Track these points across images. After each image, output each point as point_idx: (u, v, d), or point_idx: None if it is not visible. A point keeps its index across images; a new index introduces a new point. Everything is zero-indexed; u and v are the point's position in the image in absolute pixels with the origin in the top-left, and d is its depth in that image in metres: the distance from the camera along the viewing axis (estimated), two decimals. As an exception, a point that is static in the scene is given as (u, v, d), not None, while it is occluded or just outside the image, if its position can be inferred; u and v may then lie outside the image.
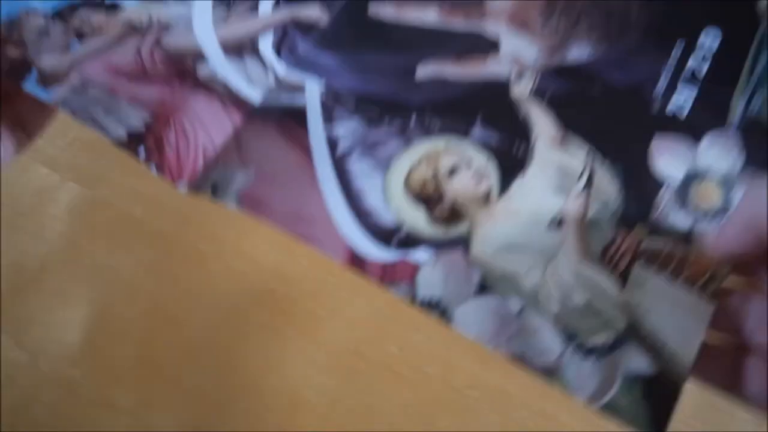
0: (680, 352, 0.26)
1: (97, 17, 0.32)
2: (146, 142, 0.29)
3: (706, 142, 0.26)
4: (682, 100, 0.27)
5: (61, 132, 0.39)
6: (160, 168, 0.29)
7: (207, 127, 0.29)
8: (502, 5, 0.30)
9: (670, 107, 0.27)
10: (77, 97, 0.31)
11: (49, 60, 0.32)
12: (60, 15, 0.33)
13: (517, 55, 0.29)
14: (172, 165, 0.29)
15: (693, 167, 0.26)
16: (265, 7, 0.31)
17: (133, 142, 0.30)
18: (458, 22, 0.30)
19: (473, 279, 0.26)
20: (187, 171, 0.29)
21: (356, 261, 0.26)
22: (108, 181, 0.37)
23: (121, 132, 0.30)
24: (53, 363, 0.35)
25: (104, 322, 0.35)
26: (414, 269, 0.26)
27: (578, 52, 0.28)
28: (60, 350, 0.35)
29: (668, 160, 0.26)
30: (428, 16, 0.30)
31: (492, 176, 0.27)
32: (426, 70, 0.29)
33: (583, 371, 0.26)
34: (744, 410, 0.33)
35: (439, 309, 0.26)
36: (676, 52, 0.28)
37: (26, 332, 0.35)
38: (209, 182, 0.28)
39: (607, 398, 0.26)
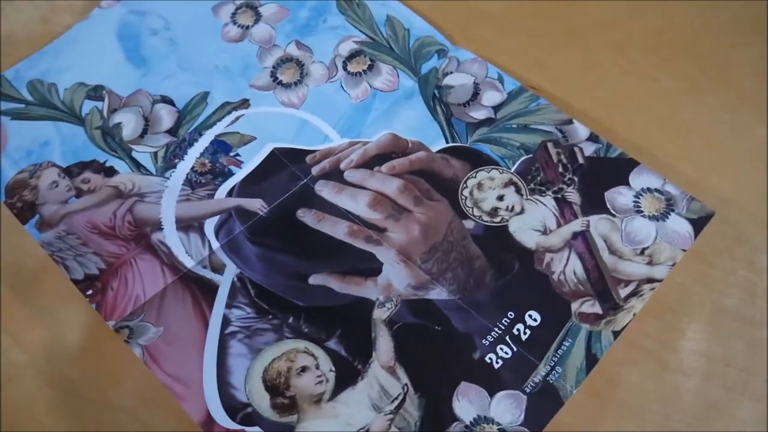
0: None
1: (95, 179, 0.39)
2: (95, 284, 0.36)
3: (500, 396, 0.32)
4: (499, 356, 0.33)
5: None
6: (99, 306, 0.35)
7: (144, 281, 0.36)
8: (397, 238, 0.36)
9: (488, 359, 0.33)
10: (58, 241, 0.37)
11: (49, 209, 0.38)
12: (69, 172, 0.40)
13: (390, 282, 0.35)
14: (109, 305, 0.35)
15: (482, 414, 0.32)
16: (220, 194, 0.39)
17: (86, 282, 0.36)
18: (359, 242, 0.37)
19: None
20: (117, 312, 0.35)
21: (208, 423, 0.32)
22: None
23: (79, 274, 0.36)
24: (53, 363, 0.35)
25: (104, 322, 0.35)
26: None
27: (437, 294, 0.35)
28: (60, 350, 0.35)
29: (466, 403, 0.32)
30: (338, 231, 0.37)
31: (330, 382, 0.33)
32: (317, 279, 0.35)
33: None
34: (744, 410, 0.33)
35: None
36: (507, 318, 0.34)
37: (26, 332, 0.35)
38: (129, 327, 0.34)
39: None
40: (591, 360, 0.33)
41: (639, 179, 0.38)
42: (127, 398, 0.34)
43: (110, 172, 0.40)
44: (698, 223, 0.36)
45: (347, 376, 0.33)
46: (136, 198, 0.38)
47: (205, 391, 0.32)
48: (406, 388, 0.32)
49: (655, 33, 0.45)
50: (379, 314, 0.34)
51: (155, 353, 0.34)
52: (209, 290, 0.35)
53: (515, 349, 0.33)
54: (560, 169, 0.38)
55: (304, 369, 0.33)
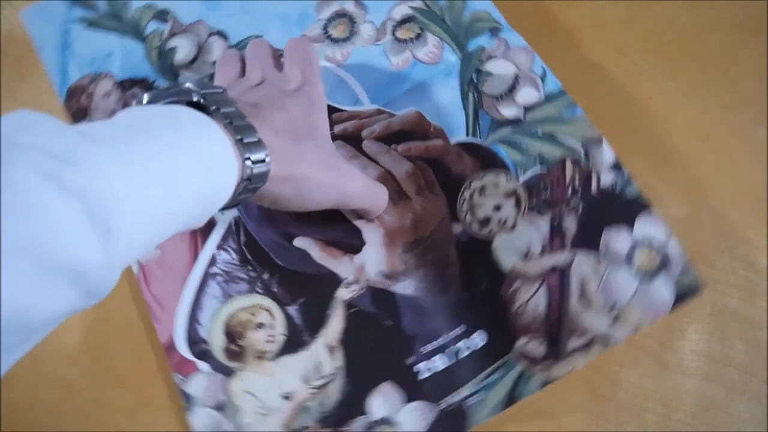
0: None
1: (133, 92, 0.42)
2: None
3: (413, 405, 0.34)
4: (432, 366, 0.34)
5: None
6: None
7: None
8: (389, 220, 0.37)
9: (421, 365, 0.34)
10: None
11: (98, 117, 0.42)
12: (122, 85, 0.42)
13: (364, 264, 0.36)
14: None
15: (389, 416, 0.33)
16: None
17: None
18: (352, 213, 0.37)
19: (219, 397, 0.34)
20: None
21: (170, 347, 0.35)
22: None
23: None
24: (53, 363, 0.35)
25: (104, 322, 0.36)
26: (195, 371, 0.35)
27: (403, 287, 0.36)
28: (60, 350, 0.36)
29: (380, 402, 0.34)
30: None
31: (278, 344, 0.35)
32: (301, 242, 0.37)
33: None
34: (744, 410, 0.33)
35: (188, 402, 0.34)
36: (456, 330, 0.35)
37: None
38: None
39: None
40: (510, 399, 0.33)
41: (645, 226, 0.35)
42: (127, 398, 0.34)
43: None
44: (682, 297, 0.34)
45: (294, 343, 0.35)
46: None
47: (176, 318, 0.36)
48: (338, 370, 0.34)
49: (655, 33, 0.45)
50: (343, 294, 0.36)
51: (148, 274, 0.37)
52: (207, 227, 0.38)
53: (450, 364, 0.34)
54: (569, 192, 0.36)
55: (260, 325, 0.35)
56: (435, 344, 0.34)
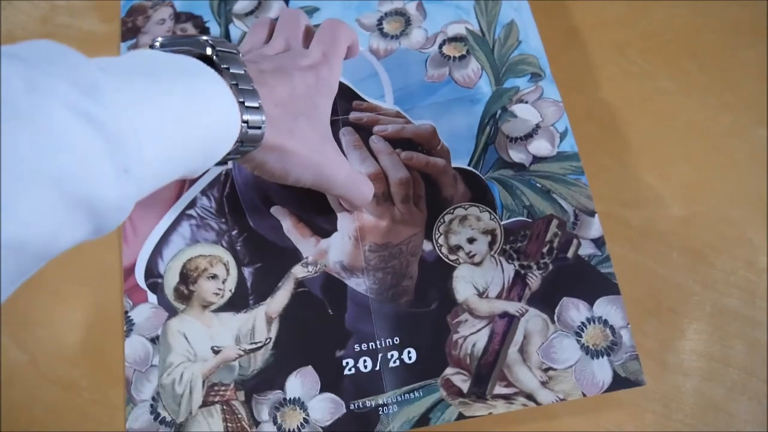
0: None
1: (190, 32, 0.44)
2: None
3: (326, 396, 0.34)
4: (357, 365, 0.34)
5: None
6: None
7: None
8: (366, 217, 0.37)
9: (349, 361, 0.35)
10: None
11: (144, 39, 0.44)
12: (177, 16, 0.44)
13: (327, 250, 0.37)
14: None
15: (302, 399, 0.34)
16: None
17: None
18: (335, 198, 0.37)
19: (156, 331, 0.36)
20: None
21: (129, 272, 0.37)
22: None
23: None
24: (53, 363, 0.35)
25: (104, 322, 0.36)
26: (145, 300, 0.37)
27: (356, 284, 0.36)
28: (60, 350, 0.35)
29: (298, 383, 0.35)
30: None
31: (223, 299, 0.36)
32: (277, 211, 0.38)
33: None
34: (744, 410, 0.33)
35: (128, 327, 0.36)
36: (392, 340, 0.35)
37: (26, 332, 0.36)
38: None
39: None
40: (423, 421, 0.33)
41: (606, 307, 0.34)
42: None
43: (205, 32, 0.44)
44: (620, 383, 0.32)
45: (238, 302, 0.36)
46: None
47: (143, 246, 0.37)
48: (269, 341, 0.35)
49: (655, 33, 0.45)
50: (298, 271, 0.37)
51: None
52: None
53: (376, 369, 0.34)
54: (545, 249, 0.36)
55: (214, 276, 0.37)
56: (367, 347, 0.34)
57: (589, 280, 0.35)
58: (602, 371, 0.33)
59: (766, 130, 0.41)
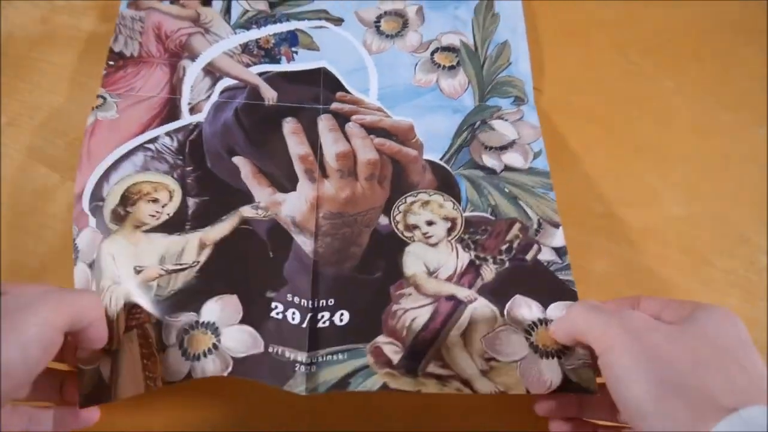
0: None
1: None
2: (119, 61, 0.42)
3: (246, 328, 0.32)
4: (285, 314, 0.33)
5: (62, 132, 0.40)
6: (106, 75, 0.41)
7: (146, 83, 0.41)
8: (327, 189, 0.37)
9: (278, 305, 0.33)
10: (129, 20, 0.43)
11: None
12: None
13: (281, 203, 0.37)
14: (112, 78, 0.41)
15: (217, 324, 0.32)
16: (253, 69, 0.42)
17: (115, 55, 0.42)
18: (301, 168, 0.37)
19: (93, 255, 0.34)
20: (112, 87, 0.40)
21: (79, 199, 0.36)
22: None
23: (118, 48, 0.42)
24: (53, 363, 0.34)
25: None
26: (86, 226, 0.35)
27: (302, 243, 0.35)
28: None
29: (218, 308, 0.33)
30: (296, 149, 0.38)
31: (158, 221, 0.35)
32: (238, 160, 0.38)
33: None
34: None
35: (75, 255, 0.34)
36: (326, 302, 0.33)
37: None
38: (105, 100, 0.40)
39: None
40: (341, 384, 0.31)
41: (560, 312, 0.33)
42: (126, 398, 0.34)
43: (207, 2, 0.45)
44: (571, 386, 0.31)
45: (173, 226, 0.35)
46: (201, 30, 0.44)
47: (93, 173, 0.37)
48: (196, 264, 0.34)
49: (655, 33, 0.45)
50: (246, 211, 0.36)
51: (97, 128, 0.38)
52: (172, 117, 0.39)
53: (302, 326, 0.33)
54: (504, 247, 0.35)
55: (155, 201, 0.36)
56: (299, 301, 0.33)
57: (545, 284, 0.34)
58: (551, 371, 0.31)
59: (766, 130, 0.41)
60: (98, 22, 0.46)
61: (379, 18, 0.45)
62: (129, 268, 0.33)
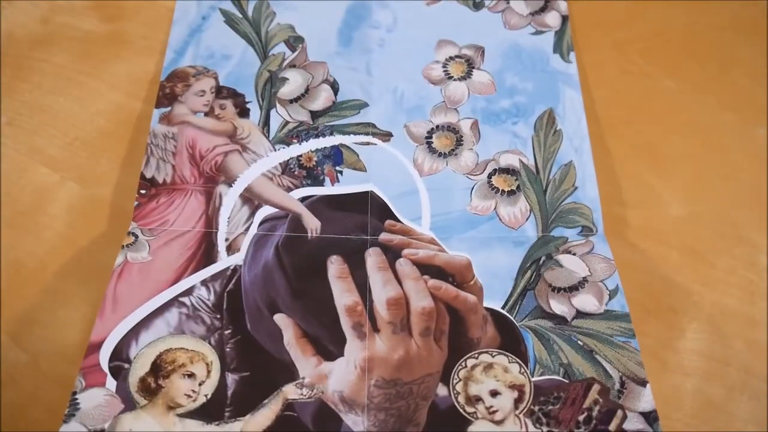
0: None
1: (230, 110, 0.42)
2: (150, 189, 0.39)
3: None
4: None
5: (62, 132, 0.40)
6: (138, 206, 0.38)
7: (181, 215, 0.38)
8: (379, 346, 0.32)
9: None
10: (161, 138, 0.40)
11: (180, 110, 0.42)
12: (218, 90, 0.42)
13: (328, 376, 0.32)
14: (144, 211, 0.38)
15: None
16: (296, 194, 0.38)
17: (147, 181, 0.39)
18: (347, 322, 0.33)
19: (104, 424, 0.31)
20: (143, 221, 0.38)
21: (95, 349, 0.33)
22: (107, 181, 0.39)
23: (149, 173, 0.39)
24: (53, 363, 0.34)
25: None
26: (101, 384, 0.32)
27: (353, 422, 0.32)
28: (60, 350, 0.34)
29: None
30: (343, 299, 0.34)
31: (195, 404, 0.32)
32: (280, 319, 0.34)
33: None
34: (744, 410, 0.32)
35: (71, 411, 0.31)
36: None
37: (26, 332, 0.35)
38: (136, 237, 0.37)
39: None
40: None
41: None
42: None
43: (244, 113, 0.42)
44: None
45: (211, 411, 0.32)
46: (238, 147, 0.40)
47: (119, 326, 0.33)
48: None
49: (655, 33, 0.45)
50: (290, 391, 0.32)
51: (125, 271, 0.35)
52: (208, 259, 0.36)
53: None
54: (582, 418, 0.31)
55: (191, 375, 0.32)
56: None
57: None
58: None
59: (766, 130, 0.41)
60: (98, 22, 0.46)
61: (430, 133, 0.41)
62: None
